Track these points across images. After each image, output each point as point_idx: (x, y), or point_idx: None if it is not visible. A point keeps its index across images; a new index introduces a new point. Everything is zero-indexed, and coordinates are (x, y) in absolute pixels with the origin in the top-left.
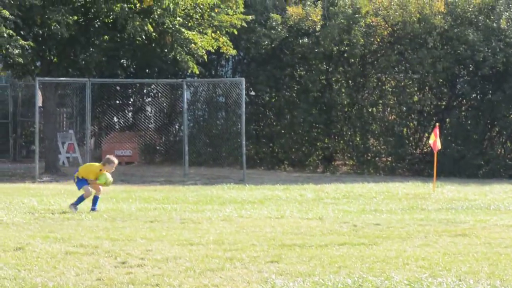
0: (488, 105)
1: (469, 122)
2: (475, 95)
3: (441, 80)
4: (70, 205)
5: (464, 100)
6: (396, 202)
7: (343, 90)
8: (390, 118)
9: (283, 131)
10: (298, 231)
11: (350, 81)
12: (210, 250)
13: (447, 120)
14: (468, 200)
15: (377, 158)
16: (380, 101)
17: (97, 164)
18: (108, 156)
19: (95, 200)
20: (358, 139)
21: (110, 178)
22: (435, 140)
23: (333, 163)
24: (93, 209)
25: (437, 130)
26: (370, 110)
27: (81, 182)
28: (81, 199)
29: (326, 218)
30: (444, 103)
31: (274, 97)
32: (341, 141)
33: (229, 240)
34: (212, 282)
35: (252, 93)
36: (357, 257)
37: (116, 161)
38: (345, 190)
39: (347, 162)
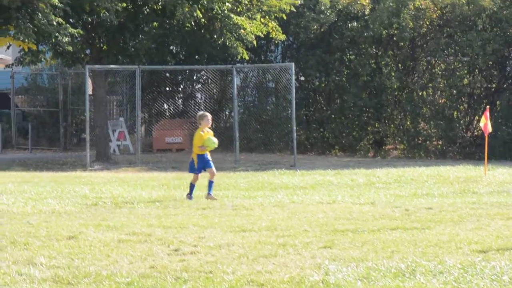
0: None
1: None
2: None
3: (490, 63)
4: (186, 195)
5: None
6: (447, 186)
7: (393, 74)
8: (440, 101)
9: (333, 115)
10: (350, 216)
11: (399, 65)
12: (262, 236)
13: (498, 102)
14: None
15: (427, 142)
16: (430, 85)
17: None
18: (199, 113)
19: (210, 185)
20: (408, 122)
21: (213, 139)
22: (486, 123)
23: (384, 147)
24: (209, 194)
25: (487, 113)
26: (420, 93)
27: (191, 167)
28: (192, 187)
29: (378, 203)
30: (494, 85)
31: (323, 82)
32: (392, 125)
33: (281, 226)
34: (265, 269)
35: (302, 78)
36: (410, 241)
37: (206, 113)
38: (396, 175)
39: (398, 146)
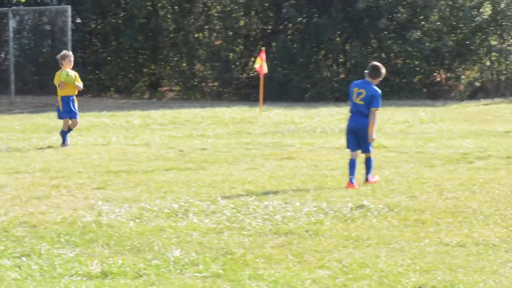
0: (314, 29)
1: (295, 46)
2: (301, 18)
3: (267, 4)
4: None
5: (290, 24)
6: (222, 127)
7: (169, 16)
8: (216, 43)
9: (109, 58)
10: (124, 158)
11: (176, 7)
12: (36, 178)
13: (273, 44)
14: (294, 124)
15: (203, 83)
16: (206, 26)
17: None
18: (60, 53)
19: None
20: (184, 64)
21: (70, 73)
22: (261, 64)
23: (159, 89)
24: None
25: (263, 54)
26: (196, 35)
27: (58, 112)
28: (63, 133)
29: (152, 144)
30: (270, 27)
31: (100, 24)
32: (168, 67)
33: (55, 167)
34: (38, 210)
35: (78, 20)
36: (184, 182)
37: (66, 51)
38: (171, 116)
39: (173, 88)
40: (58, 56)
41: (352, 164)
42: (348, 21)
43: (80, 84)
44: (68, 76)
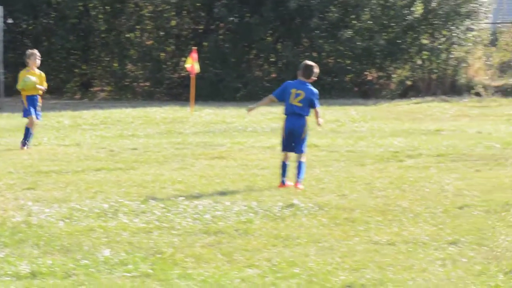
0: (246, 28)
1: (226, 45)
2: (232, 18)
3: (198, 4)
4: (20, 143)
5: (222, 24)
6: (153, 127)
7: (101, 16)
8: (147, 43)
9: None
10: (55, 158)
11: (107, 7)
12: None
13: (205, 43)
14: (225, 123)
15: (135, 83)
16: (138, 26)
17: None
18: (27, 51)
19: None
20: (116, 64)
21: (30, 80)
22: (192, 64)
23: (91, 89)
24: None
25: (194, 54)
26: (127, 35)
27: (24, 110)
28: (27, 131)
29: (83, 144)
30: (201, 27)
31: (31, 25)
32: (99, 67)
33: None
34: None
35: (10, 20)
36: (114, 182)
37: (31, 50)
38: (103, 116)
39: (105, 88)
40: (26, 56)
41: (284, 166)
42: (279, 21)
43: (42, 87)
44: (27, 84)
